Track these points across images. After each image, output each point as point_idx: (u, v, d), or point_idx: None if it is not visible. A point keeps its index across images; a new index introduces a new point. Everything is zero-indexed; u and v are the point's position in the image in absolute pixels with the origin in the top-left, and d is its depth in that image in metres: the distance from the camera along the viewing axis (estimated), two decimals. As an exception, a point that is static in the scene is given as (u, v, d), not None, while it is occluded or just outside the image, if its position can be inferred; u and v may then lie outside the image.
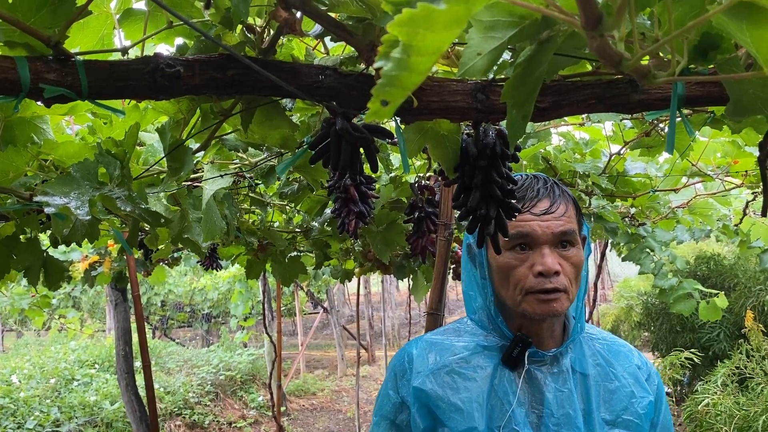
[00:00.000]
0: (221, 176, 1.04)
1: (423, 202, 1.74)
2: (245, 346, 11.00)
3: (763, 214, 0.81)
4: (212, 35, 0.81)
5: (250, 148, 1.06)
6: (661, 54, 0.63)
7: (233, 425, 7.67)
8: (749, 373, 4.51)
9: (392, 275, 3.37)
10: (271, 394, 5.63)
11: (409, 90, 0.41)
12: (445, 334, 1.24)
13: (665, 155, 2.29)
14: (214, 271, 3.18)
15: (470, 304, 1.24)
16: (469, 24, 0.58)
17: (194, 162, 0.96)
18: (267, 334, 5.70)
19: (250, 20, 0.83)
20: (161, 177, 0.98)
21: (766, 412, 3.78)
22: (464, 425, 1.10)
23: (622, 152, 2.03)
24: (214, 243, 2.74)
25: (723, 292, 3.28)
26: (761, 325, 5.10)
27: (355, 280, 4.65)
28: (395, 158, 1.95)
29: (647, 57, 0.59)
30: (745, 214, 2.77)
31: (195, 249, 1.38)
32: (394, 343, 12.40)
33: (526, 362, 1.13)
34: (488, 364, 1.15)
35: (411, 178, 2.00)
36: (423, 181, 1.79)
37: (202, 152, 0.98)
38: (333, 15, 0.82)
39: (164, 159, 0.88)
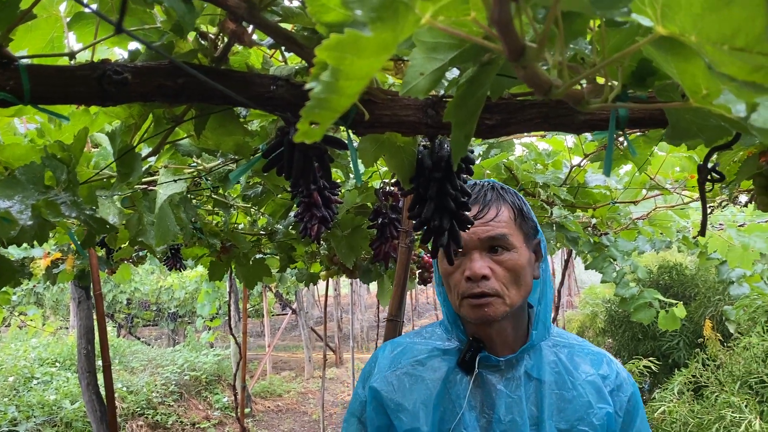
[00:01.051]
0: (175, 181, 1.03)
1: (387, 208, 1.75)
2: (212, 347, 10.89)
3: (702, 234, 0.83)
4: (165, 42, 0.80)
5: (204, 154, 1.06)
6: (598, 79, 0.64)
7: (197, 426, 7.58)
8: (704, 382, 4.61)
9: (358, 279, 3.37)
10: (235, 395, 5.59)
11: (339, 112, 0.42)
12: (414, 337, 1.28)
13: (625, 168, 2.34)
14: (179, 271, 3.15)
15: (444, 309, 1.27)
16: (413, 44, 0.59)
17: (146, 167, 0.95)
18: (232, 335, 5.64)
19: (203, 28, 0.83)
20: (112, 181, 0.97)
21: (719, 420, 3.87)
22: (408, 425, 1.12)
23: (582, 164, 2.07)
24: (178, 243, 2.71)
25: (683, 302, 3.36)
26: (719, 335, 5.23)
27: (324, 282, 4.64)
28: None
29: (584, 81, 0.61)
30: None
31: (151, 251, 1.37)
32: (363, 346, 12.40)
33: (476, 366, 1.15)
34: (443, 367, 1.18)
35: (376, 183, 2.01)
36: (387, 188, 1.80)
37: (155, 157, 0.97)
38: (288, 26, 0.83)
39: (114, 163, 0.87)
